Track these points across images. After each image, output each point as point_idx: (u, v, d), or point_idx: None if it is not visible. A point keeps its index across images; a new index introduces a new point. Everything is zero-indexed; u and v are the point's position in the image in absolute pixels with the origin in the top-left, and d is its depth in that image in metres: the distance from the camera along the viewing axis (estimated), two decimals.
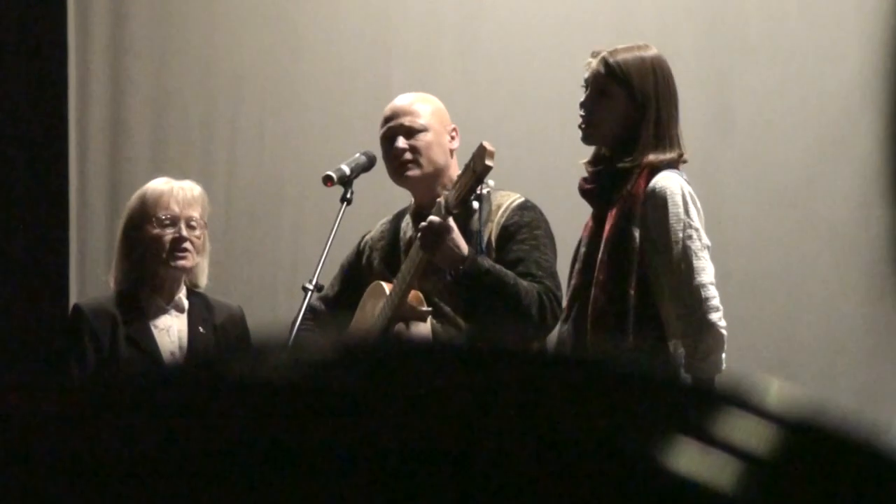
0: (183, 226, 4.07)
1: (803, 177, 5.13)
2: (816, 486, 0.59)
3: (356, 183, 4.05)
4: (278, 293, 5.42)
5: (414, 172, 3.97)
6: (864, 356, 5.00)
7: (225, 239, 5.40)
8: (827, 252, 5.08)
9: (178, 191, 4.11)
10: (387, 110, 4.08)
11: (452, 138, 4.04)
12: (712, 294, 3.47)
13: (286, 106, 5.73)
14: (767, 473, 0.59)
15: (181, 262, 4.06)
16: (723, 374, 3.48)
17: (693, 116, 5.02)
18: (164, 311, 4.10)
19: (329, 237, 3.92)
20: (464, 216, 3.80)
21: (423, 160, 3.97)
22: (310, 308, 3.98)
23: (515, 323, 3.71)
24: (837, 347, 5.04)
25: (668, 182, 3.52)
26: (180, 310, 4.11)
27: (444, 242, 3.71)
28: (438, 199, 3.77)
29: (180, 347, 4.07)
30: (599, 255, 3.52)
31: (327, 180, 4.03)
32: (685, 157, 3.62)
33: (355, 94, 5.58)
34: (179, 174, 4.31)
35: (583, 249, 3.62)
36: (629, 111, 3.55)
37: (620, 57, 3.58)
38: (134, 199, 4.17)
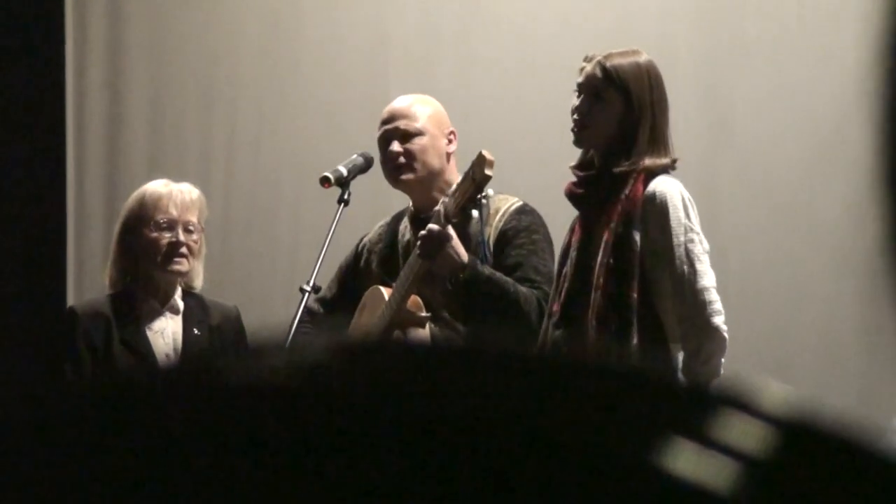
0: (180, 230, 4.06)
1: (799, 180, 5.13)
2: (813, 487, 0.59)
3: (353, 184, 4.05)
4: (275, 295, 5.41)
5: (407, 176, 3.97)
6: (859, 358, 5.00)
7: (222, 240, 5.40)
8: (822, 255, 5.09)
9: (176, 194, 4.09)
10: (385, 112, 4.08)
11: (450, 141, 4.04)
12: (715, 298, 3.49)
13: (284, 108, 5.73)
14: (764, 475, 0.59)
15: (176, 268, 4.05)
16: (720, 377, 3.49)
17: (690, 121, 5.03)
18: (159, 314, 4.09)
19: (326, 239, 3.92)
20: (462, 222, 3.80)
21: (416, 164, 3.97)
22: (307, 310, 3.97)
23: (514, 328, 3.72)
24: (833, 349, 5.04)
25: (668, 186, 3.53)
26: (175, 312, 4.11)
27: (443, 251, 3.71)
28: (437, 208, 3.77)
29: (175, 350, 4.06)
30: (599, 259, 3.52)
31: (324, 182, 4.03)
32: (677, 161, 3.63)
33: (353, 96, 5.58)
34: (177, 175, 4.30)
35: (574, 254, 3.61)
36: (624, 115, 3.56)
37: (616, 62, 3.59)
38: (132, 200, 4.15)
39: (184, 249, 4.04)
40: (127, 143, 5.85)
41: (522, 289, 3.77)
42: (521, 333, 3.66)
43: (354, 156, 4.12)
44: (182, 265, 4.05)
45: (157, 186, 4.13)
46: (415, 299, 3.86)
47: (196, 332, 4.08)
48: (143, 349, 4.02)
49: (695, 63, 5.22)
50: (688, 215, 3.52)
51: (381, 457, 0.60)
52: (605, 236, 3.52)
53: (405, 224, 4.08)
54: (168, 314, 4.10)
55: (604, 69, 3.58)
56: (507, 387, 0.63)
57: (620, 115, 3.56)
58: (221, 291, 4.45)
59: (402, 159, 3.96)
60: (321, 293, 4.12)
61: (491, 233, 3.88)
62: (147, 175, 5.04)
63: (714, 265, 3.58)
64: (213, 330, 4.10)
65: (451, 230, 3.72)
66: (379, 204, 4.55)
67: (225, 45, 5.80)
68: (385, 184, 4.14)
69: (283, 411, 0.63)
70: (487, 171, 3.58)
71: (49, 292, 5.62)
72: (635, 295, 3.47)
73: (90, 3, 5.88)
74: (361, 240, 4.20)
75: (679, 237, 3.50)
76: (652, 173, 3.55)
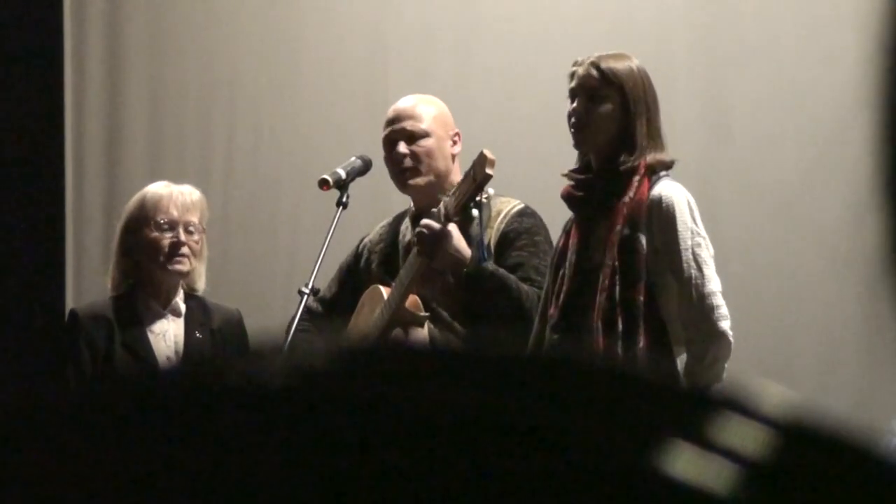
0: (181, 230, 4.06)
1: (798, 183, 5.13)
2: (813, 490, 0.59)
3: (352, 186, 4.05)
4: (274, 297, 5.41)
5: (415, 181, 3.96)
6: (859, 360, 5.00)
7: (221, 242, 5.40)
8: (821, 257, 5.09)
9: (177, 195, 4.10)
10: (389, 112, 4.06)
11: (454, 143, 4.03)
12: (721, 302, 3.51)
13: (282, 110, 5.73)
14: (764, 478, 0.59)
15: (178, 267, 4.05)
16: (722, 381, 3.50)
17: (689, 123, 5.03)
18: (161, 316, 4.09)
19: (325, 241, 3.92)
20: (464, 223, 3.79)
21: (423, 167, 3.96)
22: (307, 309, 3.97)
23: (515, 327, 3.71)
24: (832, 352, 5.04)
25: (674, 191, 3.55)
26: (177, 314, 4.11)
27: (441, 247, 3.71)
28: (436, 207, 3.76)
29: (176, 352, 4.06)
30: (605, 261, 3.52)
31: (323, 184, 4.03)
32: (674, 162, 3.65)
33: (352, 98, 5.58)
34: (176, 177, 4.30)
35: (572, 257, 3.61)
36: (622, 113, 3.59)
37: (609, 63, 3.62)
38: (133, 202, 4.16)
39: (185, 249, 4.05)
40: (126, 146, 5.85)
41: (524, 286, 3.77)
42: (523, 331, 3.66)
43: (353, 158, 4.12)
44: (183, 265, 4.05)
45: (158, 188, 4.14)
46: (414, 299, 3.85)
47: (198, 334, 4.08)
48: (144, 351, 4.02)
49: (694, 66, 5.22)
50: (694, 219, 3.54)
51: (380, 459, 0.60)
52: (610, 239, 3.53)
53: (406, 224, 4.08)
54: (170, 316, 4.10)
55: (599, 69, 3.61)
56: (507, 389, 0.63)
57: (618, 114, 3.59)
58: (220, 293, 4.45)
59: (408, 161, 3.95)
60: (321, 293, 4.12)
61: (492, 235, 3.88)
62: (146, 177, 5.04)
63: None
64: (215, 332, 4.10)
65: (452, 227, 3.72)
66: (378, 206, 4.55)
67: (224, 48, 5.80)
68: (384, 186, 4.13)
69: (282, 413, 0.63)
70: (488, 170, 3.58)
71: (48, 294, 5.62)
72: (641, 298, 3.47)
73: (89, 4, 5.88)
74: (362, 240, 4.20)
75: (686, 241, 3.52)
76: (654, 171, 3.57)
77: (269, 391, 0.64)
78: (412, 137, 3.97)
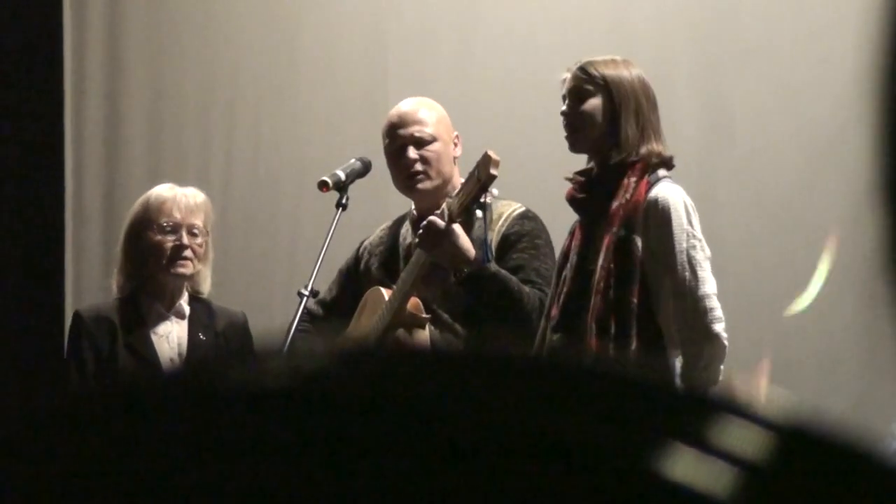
0: (184, 233, 4.06)
1: (798, 185, 5.13)
2: (812, 493, 0.59)
3: (351, 188, 4.05)
4: (274, 298, 5.41)
5: (425, 185, 3.96)
6: (857, 362, 5.00)
7: (221, 244, 5.39)
8: (820, 258, 5.08)
9: (181, 198, 4.10)
10: (393, 116, 4.05)
11: (455, 145, 4.04)
12: (716, 305, 3.50)
13: (282, 112, 5.73)
14: (763, 481, 0.59)
15: (181, 270, 4.05)
16: (719, 384, 3.49)
17: (688, 126, 5.03)
18: (165, 318, 4.09)
19: (325, 243, 3.91)
20: (467, 224, 3.79)
21: (432, 171, 3.96)
22: (307, 311, 3.97)
23: (515, 328, 3.71)
24: (831, 354, 5.04)
25: (671, 192, 3.55)
26: (181, 316, 4.10)
27: (443, 243, 3.71)
28: (440, 208, 3.77)
29: (180, 354, 4.06)
30: (599, 263, 3.53)
31: (323, 186, 4.03)
32: (673, 159, 3.65)
33: (351, 101, 5.58)
34: (175, 179, 4.30)
35: (574, 258, 3.62)
36: (609, 108, 3.60)
37: (596, 64, 3.66)
38: (137, 204, 4.16)
39: (188, 252, 4.04)
40: (125, 149, 5.85)
41: (526, 288, 3.77)
42: (523, 333, 3.66)
43: (352, 160, 4.12)
44: (186, 268, 4.05)
45: (162, 190, 4.14)
46: (415, 301, 3.85)
47: (201, 336, 4.08)
48: (147, 353, 4.02)
49: (693, 69, 5.22)
50: (690, 222, 3.54)
51: (379, 461, 0.60)
52: (606, 240, 3.53)
53: (406, 227, 4.08)
54: (174, 318, 4.10)
55: (583, 70, 3.65)
56: (506, 391, 0.63)
57: (605, 109, 3.60)
58: (220, 295, 4.44)
59: (418, 166, 3.95)
60: (321, 295, 4.12)
61: (493, 237, 3.88)
62: (145, 180, 5.04)
63: (712, 270, 3.58)
64: (219, 335, 4.10)
65: (456, 227, 3.72)
66: (377, 208, 4.55)
67: (223, 50, 5.80)
68: (383, 187, 4.13)
69: (282, 415, 0.63)
70: (493, 171, 3.58)
71: (47, 298, 5.62)
72: (635, 300, 3.48)
73: (89, 7, 5.88)
74: (362, 243, 4.20)
75: (681, 243, 3.51)
76: (652, 169, 3.57)
77: (268, 393, 0.64)
78: (420, 142, 3.97)
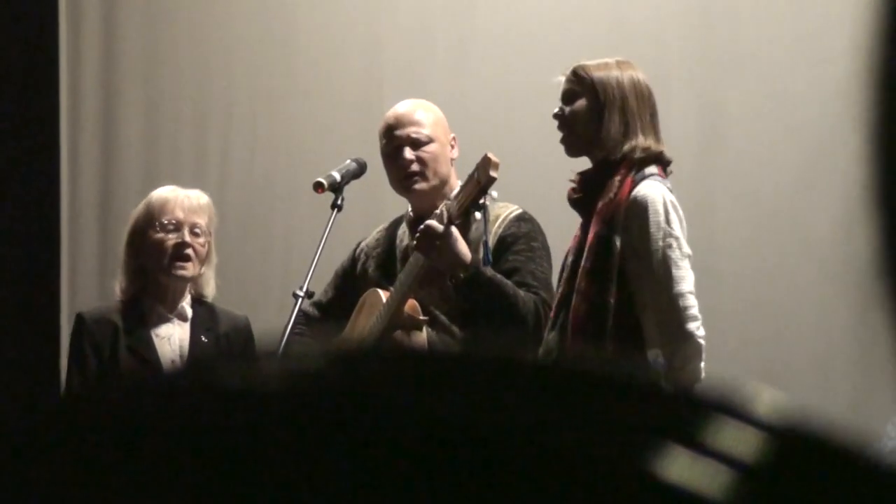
0: (186, 232, 4.05)
1: (791, 190, 5.13)
2: (807, 494, 0.60)
3: (347, 190, 4.05)
4: (269, 300, 5.41)
5: (421, 186, 3.96)
6: (851, 366, 5.00)
7: (216, 245, 5.39)
8: (814, 264, 5.09)
9: (183, 198, 4.09)
10: (389, 118, 4.05)
11: (452, 147, 4.04)
12: (691, 303, 3.48)
13: (277, 113, 5.73)
14: (758, 482, 0.60)
15: (181, 271, 4.03)
16: (702, 382, 3.49)
17: (682, 130, 5.03)
18: (167, 320, 4.08)
19: (320, 244, 3.91)
20: (465, 226, 3.79)
21: (429, 172, 3.96)
22: (302, 313, 3.97)
23: (511, 332, 3.72)
24: (825, 358, 5.04)
25: (650, 190, 3.54)
26: (183, 318, 4.09)
27: (441, 247, 3.71)
28: (438, 210, 3.76)
29: (181, 356, 4.05)
30: (582, 263, 3.53)
31: (318, 187, 4.03)
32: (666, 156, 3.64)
33: (346, 102, 5.58)
34: (171, 181, 4.30)
35: (570, 258, 3.63)
36: (593, 110, 3.60)
37: (586, 66, 3.66)
38: (139, 206, 4.16)
39: (189, 251, 4.03)
40: (121, 151, 5.84)
41: (521, 292, 3.77)
42: (518, 337, 3.66)
43: (348, 161, 4.12)
44: (187, 270, 4.04)
45: (165, 191, 4.14)
46: (412, 303, 3.85)
47: (203, 339, 4.07)
48: (149, 355, 4.02)
49: (687, 72, 5.23)
50: (668, 220, 3.52)
51: (376, 463, 0.60)
52: (590, 239, 3.53)
53: (403, 229, 4.08)
54: (176, 321, 4.09)
55: (574, 73, 3.66)
56: (502, 393, 0.63)
57: (590, 109, 3.60)
58: (216, 296, 4.44)
59: (414, 167, 3.95)
60: (317, 297, 4.12)
61: (490, 239, 3.88)
62: (141, 182, 5.04)
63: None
64: (221, 338, 4.09)
65: (454, 230, 3.72)
66: (373, 209, 4.55)
67: (219, 53, 5.80)
68: (379, 189, 4.13)
69: (279, 417, 0.63)
70: (492, 173, 3.58)
71: (43, 299, 5.62)
72: (612, 300, 3.47)
73: (84, 10, 5.87)
74: (359, 244, 4.20)
75: (657, 241, 3.50)
76: (639, 166, 3.56)
77: (264, 395, 0.65)
78: (417, 143, 3.97)
